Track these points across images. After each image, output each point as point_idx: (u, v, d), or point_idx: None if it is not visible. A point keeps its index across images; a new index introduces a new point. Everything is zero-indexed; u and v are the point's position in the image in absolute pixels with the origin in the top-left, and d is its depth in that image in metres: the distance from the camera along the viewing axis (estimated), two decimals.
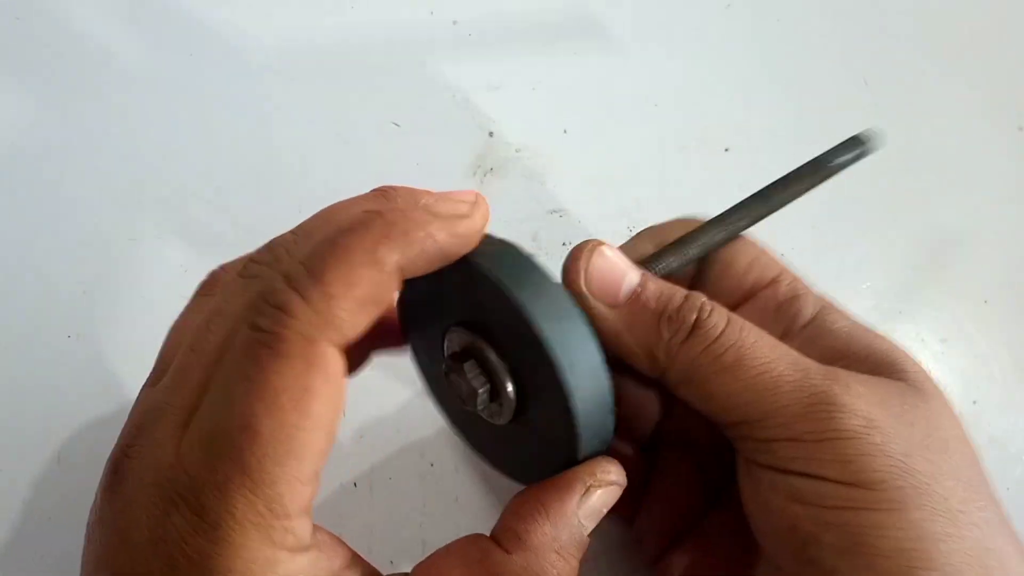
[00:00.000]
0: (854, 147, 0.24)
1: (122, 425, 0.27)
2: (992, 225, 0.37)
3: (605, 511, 0.20)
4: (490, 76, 0.38)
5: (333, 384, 0.17)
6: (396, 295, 0.21)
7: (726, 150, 0.37)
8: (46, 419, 0.28)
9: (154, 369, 0.20)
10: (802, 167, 0.24)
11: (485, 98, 0.37)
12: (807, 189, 0.24)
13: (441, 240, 0.18)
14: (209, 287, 0.22)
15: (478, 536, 0.19)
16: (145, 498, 0.16)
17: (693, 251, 0.23)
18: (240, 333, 0.17)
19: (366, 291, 0.17)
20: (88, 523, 0.18)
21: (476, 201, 0.19)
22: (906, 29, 0.42)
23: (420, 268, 0.18)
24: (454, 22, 0.39)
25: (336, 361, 0.17)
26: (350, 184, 0.35)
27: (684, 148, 0.37)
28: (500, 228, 0.33)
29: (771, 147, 0.38)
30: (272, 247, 0.19)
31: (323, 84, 0.37)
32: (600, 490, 0.20)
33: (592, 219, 0.35)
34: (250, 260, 0.19)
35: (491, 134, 0.37)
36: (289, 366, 0.16)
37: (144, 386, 0.20)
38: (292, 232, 0.19)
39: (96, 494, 0.18)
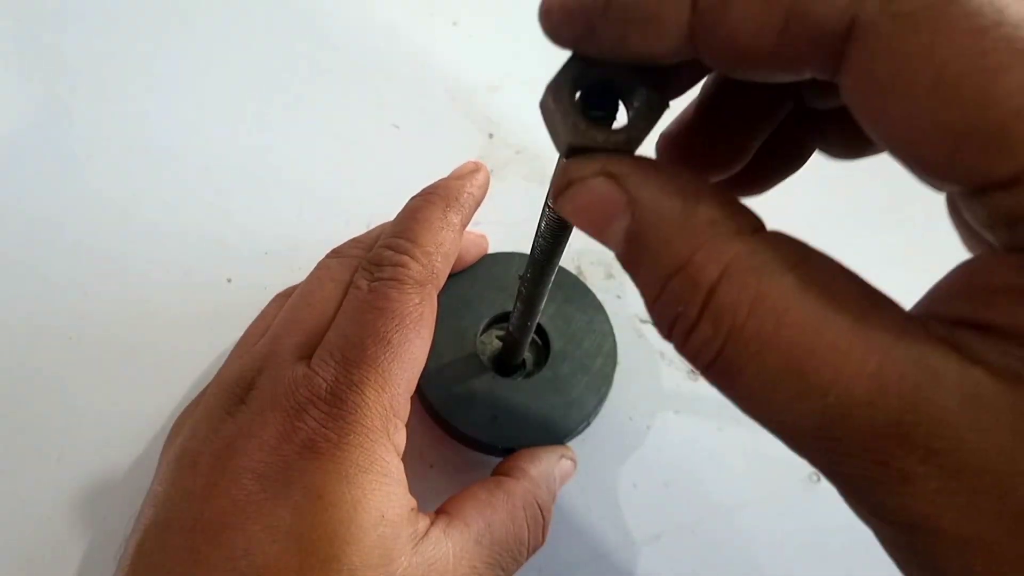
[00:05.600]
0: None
1: (121, 424, 0.28)
2: None
3: (566, 479, 0.27)
4: (490, 77, 0.38)
5: (433, 317, 0.23)
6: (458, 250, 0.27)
7: None
8: (48, 419, 0.28)
9: (237, 347, 0.25)
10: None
11: (485, 99, 0.37)
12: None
13: (475, 193, 0.25)
14: (275, 301, 0.27)
15: (490, 477, 0.25)
16: (278, 405, 0.20)
17: None
18: (360, 283, 0.22)
19: (448, 246, 0.24)
20: (184, 449, 0.21)
21: (477, 163, 0.26)
22: None
23: (467, 220, 0.25)
24: (454, 23, 0.40)
25: (434, 301, 0.23)
26: (350, 186, 0.35)
27: None
28: (500, 230, 0.33)
29: None
30: (357, 240, 0.26)
31: (323, 86, 0.37)
32: (568, 461, 0.26)
33: None
34: (337, 250, 0.26)
35: (491, 136, 0.37)
36: (409, 299, 0.22)
37: (233, 356, 0.25)
38: (364, 234, 0.27)
39: (196, 425, 0.22)
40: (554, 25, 0.15)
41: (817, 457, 0.13)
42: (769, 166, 0.18)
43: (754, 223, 0.13)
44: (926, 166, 0.12)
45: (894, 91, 0.12)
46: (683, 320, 0.13)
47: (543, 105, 0.15)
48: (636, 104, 0.14)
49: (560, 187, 0.15)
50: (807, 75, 0.13)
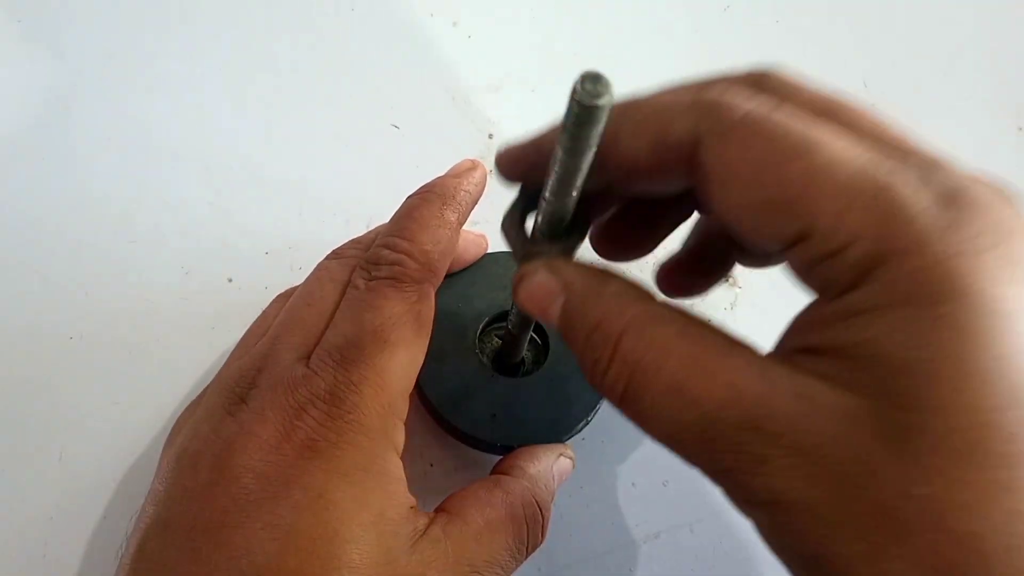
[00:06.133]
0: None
1: (122, 423, 0.28)
2: None
3: (564, 477, 0.26)
4: (490, 78, 0.38)
5: (431, 315, 0.23)
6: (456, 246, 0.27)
7: None
8: (48, 419, 0.28)
9: (238, 347, 0.25)
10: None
11: (485, 100, 0.37)
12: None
13: (472, 191, 0.25)
14: (276, 301, 0.27)
15: (489, 475, 0.25)
16: (277, 404, 0.20)
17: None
18: (358, 283, 0.23)
19: (445, 244, 0.24)
20: (185, 448, 0.21)
21: (474, 161, 0.26)
22: (905, 30, 0.42)
23: (464, 217, 0.25)
24: (454, 24, 0.40)
25: (432, 299, 0.23)
26: (350, 186, 0.35)
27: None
28: (498, 228, 0.33)
29: None
30: (356, 241, 0.26)
31: (323, 86, 0.37)
32: (566, 460, 0.26)
33: None
34: (336, 251, 0.26)
35: (491, 136, 0.37)
36: (407, 298, 0.22)
37: (233, 356, 0.25)
38: (364, 234, 0.27)
39: (196, 425, 0.22)
40: (504, 170, 0.21)
41: (702, 459, 0.17)
42: (704, 273, 0.24)
43: (647, 295, 0.18)
44: (751, 234, 0.17)
45: (724, 183, 0.17)
46: (600, 363, 0.18)
47: (503, 227, 0.21)
48: (569, 222, 0.19)
49: (516, 281, 0.20)
50: (676, 184, 0.18)
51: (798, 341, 0.17)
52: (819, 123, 0.17)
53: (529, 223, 0.20)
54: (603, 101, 0.14)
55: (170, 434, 0.24)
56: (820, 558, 0.15)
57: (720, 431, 0.16)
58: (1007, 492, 0.14)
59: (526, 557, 0.24)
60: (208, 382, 0.27)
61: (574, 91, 0.14)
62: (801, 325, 0.17)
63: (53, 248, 0.32)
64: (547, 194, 0.18)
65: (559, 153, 0.16)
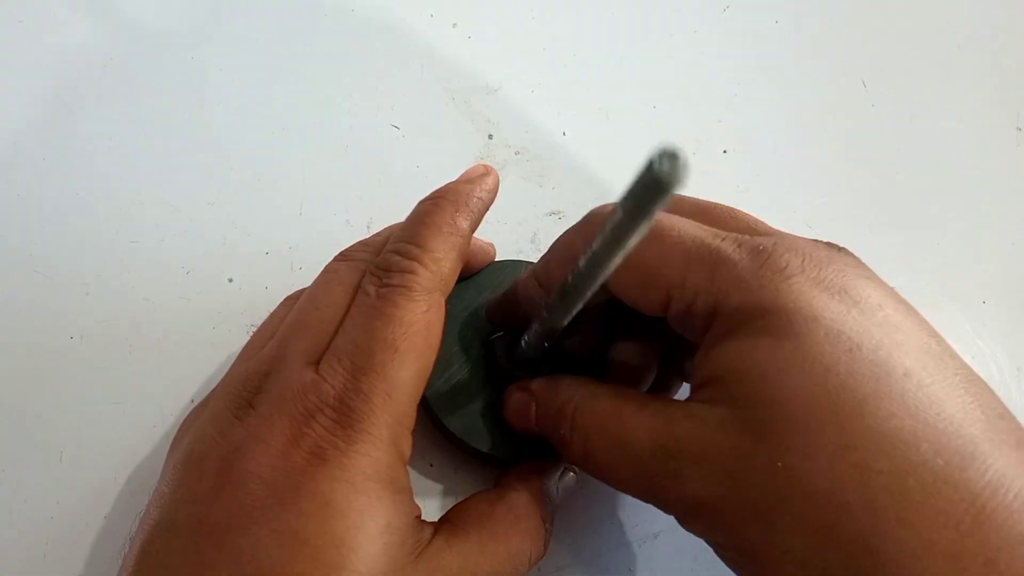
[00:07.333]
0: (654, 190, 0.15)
1: (123, 424, 0.28)
2: (992, 225, 0.37)
3: (568, 491, 0.27)
4: (489, 78, 0.38)
5: (442, 324, 0.23)
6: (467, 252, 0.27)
7: (724, 152, 0.37)
8: (48, 419, 0.29)
9: (245, 350, 0.25)
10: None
11: (484, 100, 0.38)
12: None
13: (484, 197, 0.25)
14: (284, 304, 0.27)
15: (493, 488, 0.26)
16: (285, 410, 0.20)
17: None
18: (368, 289, 0.23)
19: (457, 252, 0.24)
20: (191, 451, 0.21)
21: (487, 167, 0.26)
22: (905, 30, 0.42)
23: (476, 225, 0.25)
24: (454, 24, 0.40)
25: (443, 307, 0.23)
26: (350, 187, 0.35)
27: (682, 150, 0.37)
28: (499, 229, 0.33)
29: (769, 149, 0.38)
30: (365, 243, 0.26)
31: (323, 87, 0.37)
32: (571, 475, 0.27)
33: None
34: (345, 253, 0.26)
35: (490, 136, 0.37)
36: (418, 307, 0.22)
37: (240, 358, 0.25)
38: (372, 236, 0.27)
39: (203, 427, 0.22)
40: (491, 318, 0.27)
41: (646, 491, 0.21)
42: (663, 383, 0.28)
43: (588, 381, 0.24)
44: (640, 306, 0.22)
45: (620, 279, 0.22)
46: (564, 437, 0.23)
47: (498, 363, 0.27)
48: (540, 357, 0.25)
49: (504, 400, 0.26)
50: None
51: (693, 383, 0.22)
52: (674, 214, 0.22)
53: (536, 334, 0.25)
54: (676, 181, 0.14)
55: (176, 435, 0.24)
56: (747, 550, 0.19)
57: (648, 462, 0.20)
58: (848, 450, 0.17)
59: (529, 569, 0.24)
60: (209, 382, 0.27)
61: (650, 164, 0.14)
62: (696, 365, 0.22)
63: (54, 248, 0.32)
64: (576, 271, 0.19)
65: (618, 215, 0.16)
